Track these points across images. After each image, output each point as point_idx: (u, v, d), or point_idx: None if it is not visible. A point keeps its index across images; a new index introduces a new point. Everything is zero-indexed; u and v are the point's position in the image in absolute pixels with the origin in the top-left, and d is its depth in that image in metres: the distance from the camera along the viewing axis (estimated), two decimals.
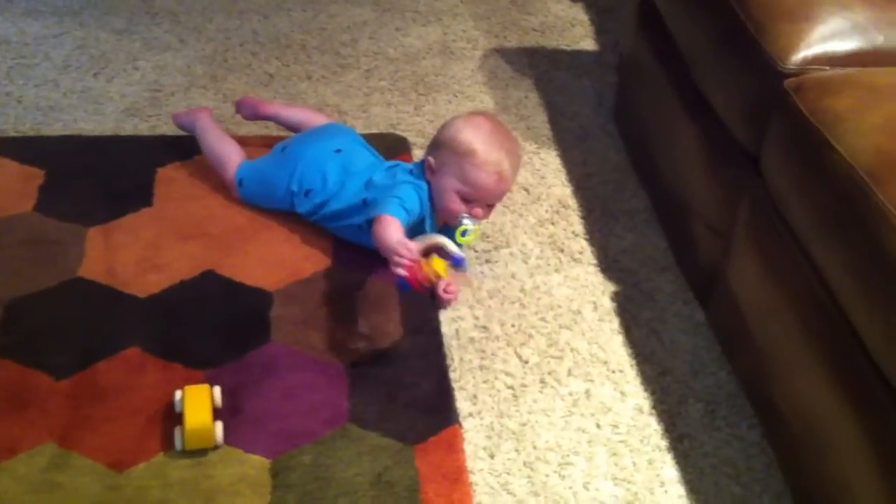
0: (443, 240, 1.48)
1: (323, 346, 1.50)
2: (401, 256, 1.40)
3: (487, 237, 1.76)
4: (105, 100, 2.03)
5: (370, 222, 1.53)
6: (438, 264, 1.41)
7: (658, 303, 1.66)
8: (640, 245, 1.78)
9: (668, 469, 1.37)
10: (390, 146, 1.91)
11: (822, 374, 1.25)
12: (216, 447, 1.32)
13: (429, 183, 1.60)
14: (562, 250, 1.75)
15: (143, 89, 2.07)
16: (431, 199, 1.59)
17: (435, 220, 1.61)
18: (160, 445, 1.32)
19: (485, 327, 1.58)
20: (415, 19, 2.43)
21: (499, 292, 1.65)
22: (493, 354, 1.53)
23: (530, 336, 1.57)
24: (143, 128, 1.96)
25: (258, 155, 1.78)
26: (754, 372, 1.46)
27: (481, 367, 1.50)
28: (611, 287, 1.68)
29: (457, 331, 1.56)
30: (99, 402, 1.37)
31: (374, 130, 2.00)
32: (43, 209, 1.70)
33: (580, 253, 1.74)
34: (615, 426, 1.43)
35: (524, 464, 1.36)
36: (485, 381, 1.48)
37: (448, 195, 1.57)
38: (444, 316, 1.59)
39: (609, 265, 1.73)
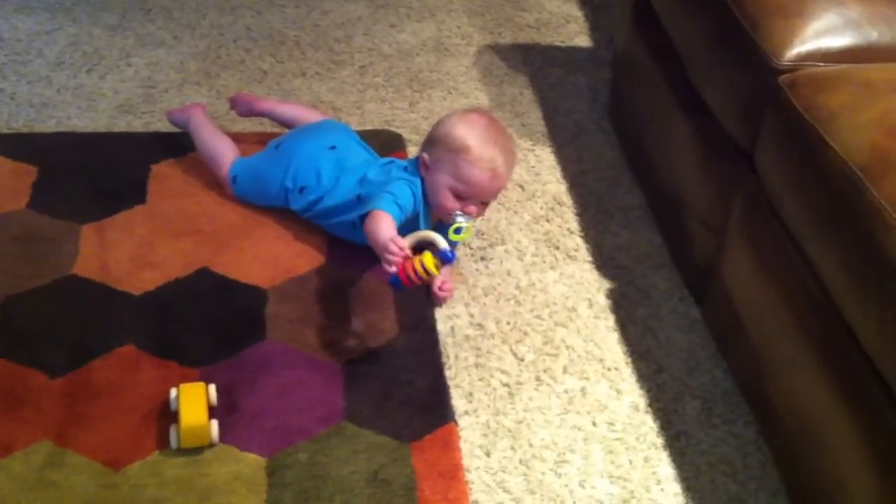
0: (432, 235, 1.47)
1: (318, 343, 1.50)
2: (391, 253, 1.40)
3: (482, 234, 1.76)
4: (98, 96, 2.02)
5: (363, 218, 1.52)
6: (429, 260, 1.40)
7: (653, 300, 1.66)
8: (635, 242, 1.78)
9: (664, 467, 1.38)
10: (385, 143, 1.91)
11: (816, 370, 1.25)
12: (212, 445, 1.32)
13: (423, 179, 1.60)
14: (557, 247, 1.75)
15: (136, 86, 2.07)
16: (425, 195, 1.59)
17: (429, 216, 1.61)
18: (155, 444, 1.32)
19: (480, 325, 1.58)
20: (409, 15, 2.42)
21: (494, 290, 1.65)
22: (488, 352, 1.53)
23: (526, 334, 1.57)
24: (136, 124, 1.95)
25: (252, 152, 1.78)
26: (749, 369, 1.46)
27: (477, 365, 1.50)
28: (606, 284, 1.68)
29: (452, 328, 1.56)
30: (94, 401, 1.37)
31: (369, 127, 1.99)
32: (36, 206, 1.70)
33: (575, 250, 1.74)
34: (611, 424, 1.43)
35: (520, 462, 1.36)
36: (480, 379, 1.48)
37: (442, 192, 1.57)
38: (440, 313, 1.59)
39: (604, 262, 1.73)
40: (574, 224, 1.81)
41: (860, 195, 1.15)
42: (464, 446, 1.37)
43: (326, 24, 2.36)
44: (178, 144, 1.85)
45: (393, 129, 2.00)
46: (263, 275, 1.61)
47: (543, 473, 1.35)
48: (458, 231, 1.55)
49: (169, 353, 1.45)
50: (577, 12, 2.51)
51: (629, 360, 1.54)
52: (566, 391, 1.48)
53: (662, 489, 1.35)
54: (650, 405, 1.46)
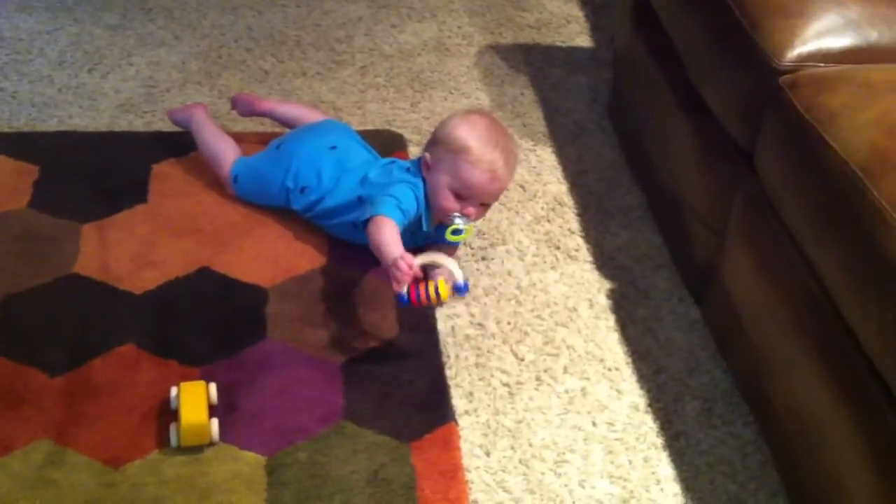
0: (450, 264, 1.44)
1: (318, 343, 1.50)
2: (400, 272, 1.38)
3: (483, 234, 1.76)
4: (100, 96, 2.03)
5: (365, 222, 1.52)
6: (443, 289, 1.40)
7: (653, 300, 1.66)
8: (636, 242, 1.78)
9: (664, 467, 1.38)
10: (386, 143, 1.91)
11: (816, 370, 1.25)
12: (212, 444, 1.32)
13: (425, 180, 1.60)
14: (558, 248, 1.75)
15: (137, 85, 2.07)
16: (427, 197, 1.59)
17: (431, 218, 1.61)
18: (155, 442, 1.32)
19: (481, 325, 1.58)
20: (410, 16, 2.42)
21: (495, 289, 1.65)
22: (489, 352, 1.53)
23: (526, 333, 1.57)
24: (137, 124, 1.95)
25: (253, 152, 1.78)
26: (749, 369, 1.46)
27: (477, 365, 1.50)
28: (606, 284, 1.68)
29: (453, 328, 1.56)
30: (94, 399, 1.37)
31: (370, 127, 1.99)
32: (37, 205, 1.70)
33: (576, 250, 1.75)
34: (611, 424, 1.43)
35: (520, 461, 1.36)
36: (481, 379, 1.48)
37: (441, 192, 1.56)
38: (440, 313, 1.59)
39: (605, 262, 1.73)
40: (575, 224, 1.81)
41: (860, 195, 1.15)
42: (464, 446, 1.37)
43: (327, 24, 2.36)
44: (179, 144, 1.86)
45: (394, 129, 2.01)
46: (264, 274, 1.61)
47: (543, 473, 1.35)
48: (456, 232, 1.55)
49: (169, 353, 1.45)
50: (578, 12, 2.51)
51: (629, 360, 1.54)
52: (566, 391, 1.48)
53: (662, 489, 1.35)
54: (650, 405, 1.47)
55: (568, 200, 1.86)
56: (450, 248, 1.64)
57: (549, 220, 1.81)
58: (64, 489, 1.26)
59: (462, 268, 1.45)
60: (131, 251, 1.63)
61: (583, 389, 1.48)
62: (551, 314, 1.61)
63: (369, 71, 2.20)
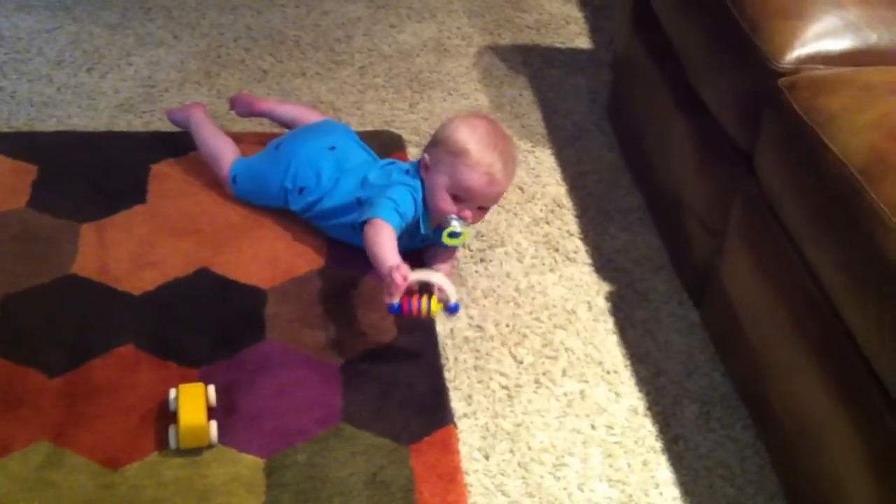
0: (446, 283, 1.44)
1: (317, 344, 1.50)
2: (394, 283, 1.38)
3: (482, 236, 1.76)
4: (98, 95, 2.02)
5: (363, 223, 1.52)
6: (435, 305, 1.41)
7: (652, 303, 1.66)
8: (635, 244, 1.78)
9: (663, 470, 1.38)
10: (385, 144, 1.91)
11: (814, 372, 1.25)
12: (210, 446, 1.32)
13: (423, 181, 1.59)
14: (556, 250, 1.75)
15: (136, 85, 2.07)
16: (426, 199, 1.58)
17: (429, 222, 1.60)
18: (154, 444, 1.32)
19: (479, 327, 1.58)
20: (409, 16, 2.42)
21: (493, 292, 1.65)
22: (487, 354, 1.53)
23: (525, 336, 1.57)
24: (136, 124, 1.95)
25: (252, 152, 1.78)
26: (747, 371, 1.46)
27: (476, 367, 1.50)
28: (605, 287, 1.68)
29: (451, 330, 1.56)
30: (93, 400, 1.37)
31: (369, 128, 1.99)
32: (36, 205, 1.70)
33: (575, 252, 1.74)
34: (610, 427, 1.43)
35: (519, 464, 1.36)
36: (479, 382, 1.48)
37: (439, 193, 1.56)
38: (439, 315, 1.58)
39: (603, 265, 1.73)
40: (574, 226, 1.81)
41: (859, 197, 1.15)
42: (463, 449, 1.37)
43: (326, 24, 2.36)
44: (178, 144, 1.85)
45: (393, 129, 2.00)
46: (263, 275, 1.61)
47: (542, 476, 1.35)
48: (453, 235, 1.55)
49: (168, 354, 1.45)
50: (577, 14, 2.51)
51: (628, 363, 1.54)
52: (565, 394, 1.48)
53: (661, 493, 1.35)
54: (649, 409, 1.47)
55: (567, 202, 1.86)
56: (448, 252, 1.63)
57: (547, 222, 1.81)
58: (63, 490, 1.26)
59: (457, 290, 1.46)
60: (130, 251, 1.63)
61: (581, 392, 1.48)
62: (550, 316, 1.61)
63: (368, 71, 2.20)
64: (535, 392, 1.47)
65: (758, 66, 1.40)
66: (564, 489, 1.34)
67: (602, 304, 1.65)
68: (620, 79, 2.05)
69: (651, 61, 1.85)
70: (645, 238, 1.80)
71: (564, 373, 1.51)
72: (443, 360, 1.50)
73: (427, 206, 1.59)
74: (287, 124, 1.86)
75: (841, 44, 1.40)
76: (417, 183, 1.59)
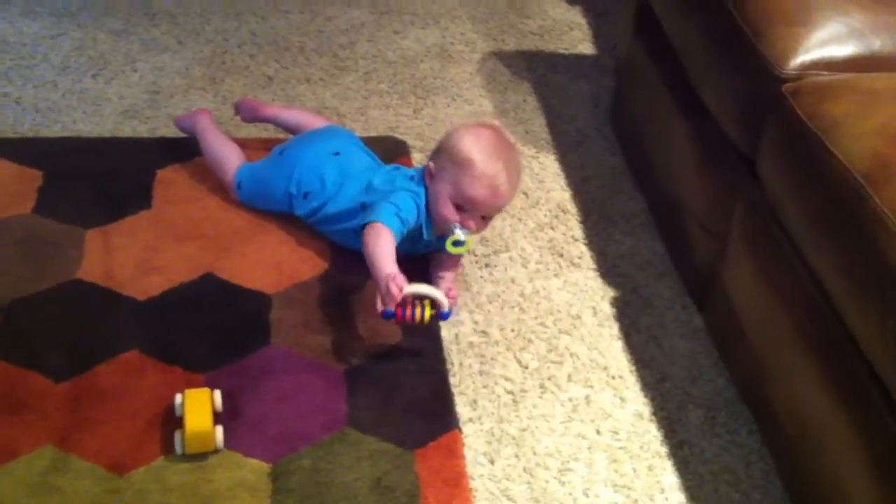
0: (438, 295, 1.45)
1: (322, 349, 1.50)
2: (390, 293, 1.39)
3: (487, 241, 1.76)
4: (103, 101, 2.03)
5: (363, 226, 1.52)
6: (428, 313, 1.43)
7: (656, 308, 1.66)
8: (638, 249, 1.78)
9: (668, 476, 1.38)
10: (389, 149, 1.91)
11: (816, 376, 1.26)
12: (216, 451, 1.32)
13: (428, 188, 1.59)
14: (561, 255, 1.75)
15: (141, 91, 2.07)
16: (429, 206, 1.58)
17: (432, 229, 1.60)
18: (160, 449, 1.32)
19: (484, 332, 1.58)
20: (413, 22, 2.43)
21: (498, 297, 1.65)
22: (492, 359, 1.53)
23: (530, 341, 1.57)
24: (141, 129, 1.96)
25: (257, 157, 1.78)
26: (750, 375, 1.46)
27: (481, 372, 1.50)
28: (610, 292, 1.68)
29: (456, 335, 1.56)
30: (98, 405, 1.37)
31: (373, 133, 1.99)
32: (42, 211, 1.70)
33: (579, 258, 1.75)
34: (615, 432, 1.43)
35: (524, 469, 1.36)
36: (484, 386, 1.48)
37: (442, 202, 1.56)
38: (444, 320, 1.58)
39: (608, 270, 1.73)
40: (578, 231, 1.81)
41: (862, 202, 1.15)
42: (468, 454, 1.37)
43: (331, 31, 2.36)
44: (183, 149, 1.86)
45: (397, 135, 2.01)
46: (268, 280, 1.61)
47: (547, 481, 1.35)
48: (456, 244, 1.54)
49: (173, 359, 1.45)
50: (581, 19, 2.52)
51: (633, 368, 1.54)
52: (570, 399, 1.48)
53: (666, 498, 1.35)
54: (654, 414, 1.47)
55: (571, 207, 1.87)
56: (453, 259, 1.64)
57: (552, 228, 1.81)
58: (68, 495, 1.26)
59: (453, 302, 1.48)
60: (135, 257, 1.63)
61: (587, 397, 1.48)
62: (555, 322, 1.61)
63: (372, 77, 2.20)
64: (541, 397, 1.47)
65: (761, 72, 1.40)
66: (570, 494, 1.34)
67: (607, 309, 1.65)
68: (623, 84, 2.06)
69: (653, 67, 1.85)
70: (648, 243, 1.80)
71: (570, 378, 1.51)
72: (448, 365, 1.50)
73: (430, 213, 1.59)
74: (291, 130, 1.87)
75: (845, 50, 1.40)
76: (421, 189, 1.59)
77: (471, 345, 1.55)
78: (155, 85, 2.09)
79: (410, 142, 1.99)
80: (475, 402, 1.46)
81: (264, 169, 1.74)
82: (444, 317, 1.45)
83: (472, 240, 1.57)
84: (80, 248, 1.63)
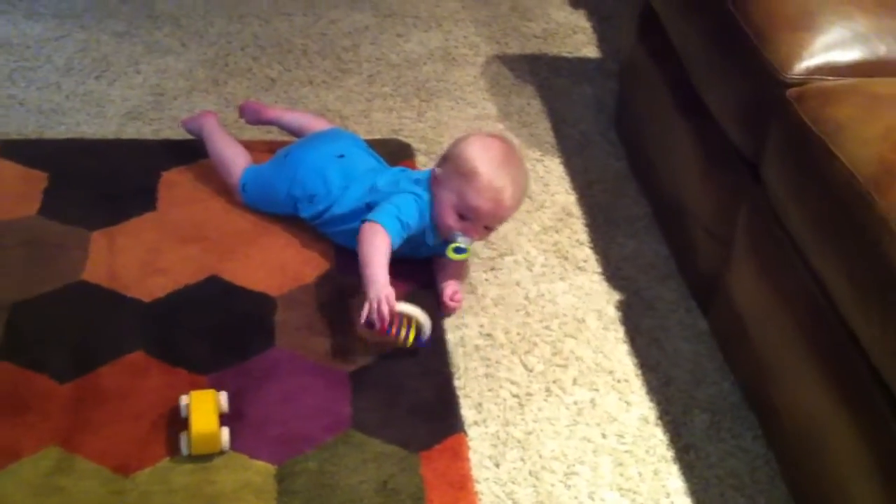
0: (424, 320, 1.46)
1: (326, 351, 1.50)
2: (379, 312, 1.41)
3: (491, 244, 1.76)
4: (107, 103, 2.03)
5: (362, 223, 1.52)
6: (411, 336, 1.45)
7: (660, 311, 1.66)
8: (642, 253, 1.78)
9: (674, 480, 1.38)
10: (393, 152, 1.91)
11: (820, 380, 1.26)
12: (222, 452, 1.32)
13: (433, 193, 1.59)
14: (566, 258, 1.75)
15: (145, 93, 2.07)
16: (432, 211, 1.58)
17: (436, 232, 1.60)
18: (165, 450, 1.32)
19: (489, 335, 1.58)
20: (416, 25, 2.43)
21: (503, 300, 1.65)
22: (497, 362, 1.53)
23: (535, 344, 1.57)
24: (145, 131, 1.96)
25: (261, 160, 1.78)
26: (754, 378, 1.47)
27: (486, 375, 1.50)
28: (615, 295, 1.68)
29: (461, 338, 1.57)
30: (102, 406, 1.37)
31: (377, 136, 1.99)
32: (46, 212, 1.70)
33: (584, 261, 1.75)
34: (620, 436, 1.43)
35: (529, 473, 1.36)
36: (490, 390, 1.48)
37: (445, 209, 1.56)
38: (449, 323, 1.59)
39: (612, 273, 1.73)
40: (583, 235, 1.81)
41: (867, 207, 1.15)
42: (473, 457, 1.37)
43: (334, 33, 2.36)
44: (187, 151, 1.86)
45: (400, 138, 2.01)
46: (272, 282, 1.61)
47: (553, 485, 1.35)
48: (458, 251, 1.55)
49: (178, 360, 1.45)
50: (584, 23, 2.52)
51: (638, 371, 1.54)
52: (575, 402, 1.48)
53: (672, 502, 1.35)
54: (659, 418, 1.46)
55: (576, 211, 1.87)
56: (458, 265, 1.64)
57: (556, 231, 1.81)
58: (72, 496, 1.26)
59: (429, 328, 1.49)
60: (140, 258, 1.63)
61: (592, 401, 1.48)
62: (560, 325, 1.61)
63: (376, 80, 2.20)
64: (546, 400, 1.47)
65: (765, 77, 1.40)
66: (575, 498, 1.34)
67: (612, 312, 1.65)
68: (627, 88, 2.06)
69: (657, 70, 1.86)
70: (652, 246, 1.80)
71: (575, 381, 1.51)
72: (453, 369, 1.50)
73: (434, 218, 1.59)
74: (295, 132, 1.87)
75: (849, 55, 1.40)
76: (426, 193, 1.59)
77: (476, 348, 1.55)
78: (158, 87, 2.09)
79: (414, 145, 1.99)
80: (480, 405, 1.46)
81: (268, 172, 1.74)
82: (422, 344, 1.47)
83: (470, 249, 1.57)
84: (84, 249, 1.63)
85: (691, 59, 1.66)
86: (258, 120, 1.90)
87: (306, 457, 1.33)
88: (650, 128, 1.90)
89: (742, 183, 1.48)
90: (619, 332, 1.61)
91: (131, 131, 1.95)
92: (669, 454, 1.41)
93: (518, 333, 1.58)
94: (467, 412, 1.44)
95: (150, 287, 1.58)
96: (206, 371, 1.44)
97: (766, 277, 1.41)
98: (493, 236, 1.76)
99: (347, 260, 1.66)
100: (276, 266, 1.65)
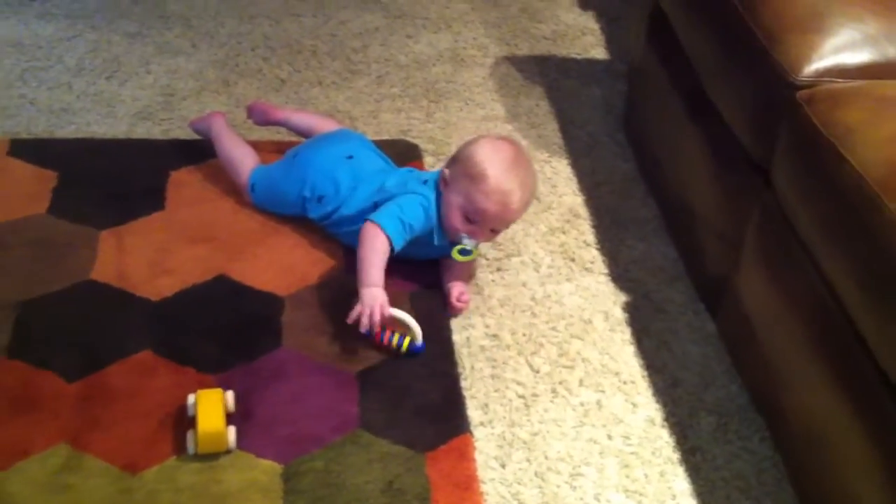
0: (415, 327, 1.48)
1: (333, 351, 1.50)
2: (371, 321, 1.44)
3: (498, 245, 1.76)
4: (117, 103, 2.04)
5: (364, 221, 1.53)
6: (405, 344, 1.47)
7: (668, 313, 1.66)
8: (650, 255, 1.78)
9: (680, 482, 1.37)
10: (401, 153, 1.91)
11: (829, 383, 1.25)
12: (228, 452, 1.32)
13: (441, 194, 1.59)
14: (573, 259, 1.75)
15: (155, 93, 2.08)
16: (440, 212, 1.59)
17: (443, 233, 1.60)
18: (172, 449, 1.33)
19: (496, 336, 1.58)
20: (425, 26, 2.43)
21: (510, 301, 1.65)
22: (504, 363, 1.53)
23: (541, 345, 1.57)
24: (155, 131, 1.96)
25: (270, 160, 1.79)
26: (762, 381, 1.46)
27: (492, 376, 1.51)
28: (622, 297, 1.68)
29: (468, 339, 1.57)
30: (111, 405, 1.38)
31: (385, 137, 2.00)
32: (56, 211, 1.71)
33: (591, 262, 1.75)
34: (627, 437, 1.43)
35: (535, 474, 1.36)
36: (496, 390, 1.48)
37: (452, 211, 1.56)
38: (455, 324, 1.59)
39: (620, 275, 1.73)
40: (590, 236, 1.81)
41: (876, 210, 1.15)
42: (479, 457, 1.37)
43: (343, 34, 2.37)
44: (196, 151, 1.86)
45: (409, 139, 2.01)
46: (280, 282, 1.62)
47: (559, 486, 1.35)
48: (463, 252, 1.55)
49: (185, 360, 1.46)
50: (593, 24, 2.52)
51: (645, 373, 1.54)
52: (582, 404, 1.48)
53: None
54: (666, 419, 1.46)
55: (583, 212, 1.87)
56: (465, 266, 1.64)
57: (564, 232, 1.81)
58: (81, 494, 1.26)
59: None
60: (148, 258, 1.64)
61: (598, 402, 1.48)
62: (566, 326, 1.61)
63: (385, 81, 2.20)
64: (552, 401, 1.47)
65: (775, 79, 1.40)
66: (581, 499, 1.33)
67: (618, 314, 1.65)
68: (635, 89, 2.06)
69: (666, 72, 1.85)
70: (660, 249, 1.80)
71: (581, 382, 1.51)
72: (459, 369, 1.50)
73: (440, 219, 1.59)
74: (303, 133, 1.87)
75: (859, 57, 1.40)
76: (432, 194, 1.59)
77: (482, 348, 1.55)
78: (169, 87, 2.10)
79: (423, 145, 1.99)
80: (486, 405, 1.46)
81: (277, 172, 1.74)
82: (418, 349, 1.48)
83: (476, 251, 1.58)
84: (93, 248, 1.64)
85: (700, 61, 1.66)
86: (266, 121, 1.91)
87: (312, 456, 1.34)
88: (659, 129, 1.89)
89: (751, 185, 1.48)
90: (625, 333, 1.61)
91: (141, 131, 1.96)
92: (676, 456, 1.41)
93: (524, 334, 1.58)
94: (473, 413, 1.44)
95: (159, 286, 1.58)
96: (213, 371, 1.45)
97: (774, 280, 1.41)
98: (500, 237, 1.76)
99: (355, 261, 1.66)
100: (284, 266, 1.65)
